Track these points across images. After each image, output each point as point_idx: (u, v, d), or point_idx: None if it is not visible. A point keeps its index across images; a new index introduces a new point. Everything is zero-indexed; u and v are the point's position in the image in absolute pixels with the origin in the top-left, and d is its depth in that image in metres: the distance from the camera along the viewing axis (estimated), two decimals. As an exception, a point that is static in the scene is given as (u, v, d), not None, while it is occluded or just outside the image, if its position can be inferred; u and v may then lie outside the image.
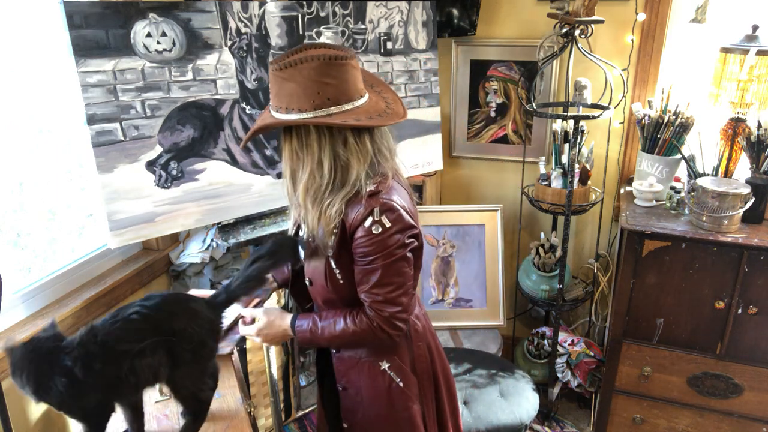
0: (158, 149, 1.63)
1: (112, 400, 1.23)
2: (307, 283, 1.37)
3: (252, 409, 1.41)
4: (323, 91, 1.14)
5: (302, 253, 1.37)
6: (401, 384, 1.35)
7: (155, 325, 1.22)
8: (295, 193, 1.25)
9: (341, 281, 1.28)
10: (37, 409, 1.59)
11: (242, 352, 2.00)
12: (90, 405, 1.19)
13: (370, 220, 1.19)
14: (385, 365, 1.34)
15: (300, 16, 1.87)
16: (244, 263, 1.36)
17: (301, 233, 1.37)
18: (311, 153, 1.19)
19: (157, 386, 1.44)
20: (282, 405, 2.35)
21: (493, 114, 2.60)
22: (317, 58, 1.12)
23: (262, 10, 1.78)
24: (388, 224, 1.19)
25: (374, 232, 1.18)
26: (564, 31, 2.07)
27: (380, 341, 1.26)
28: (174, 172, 1.66)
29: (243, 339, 1.91)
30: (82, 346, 1.16)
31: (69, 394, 1.13)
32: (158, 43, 1.60)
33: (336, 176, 1.20)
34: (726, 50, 1.99)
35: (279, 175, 1.87)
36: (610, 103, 2.16)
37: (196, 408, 1.34)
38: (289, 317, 1.34)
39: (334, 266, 1.27)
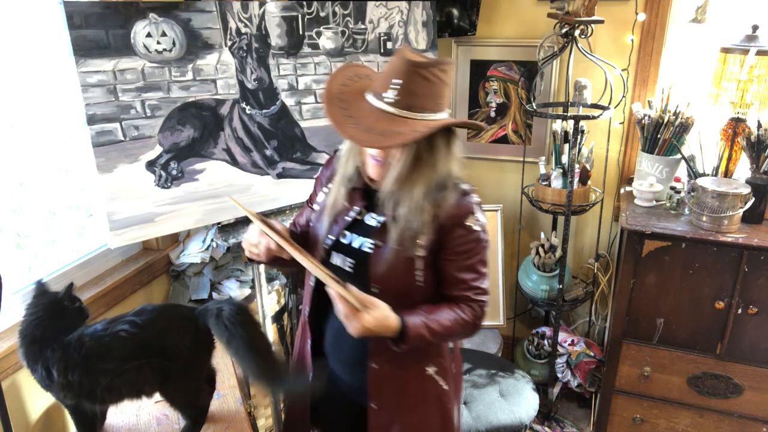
0: (158, 149, 1.63)
1: (82, 404, 1.22)
2: (375, 291, 1.23)
3: (252, 409, 1.41)
4: (449, 94, 1.20)
5: (345, 262, 1.29)
6: (445, 387, 1.34)
7: (144, 344, 1.21)
8: (412, 190, 1.20)
9: (421, 284, 1.24)
10: (37, 409, 1.59)
11: (242, 352, 2.00)
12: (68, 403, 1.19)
13: (471, 217, 1.22)
14: (431, 370, 1.32)
15: (300, 16, 1.87)
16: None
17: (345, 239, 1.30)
18: (437, 151, 1.18)
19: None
20: (282, 405, 2.35)
21: (493, 114, 2.60)
22: (447, 63, 1.14)
23: (262, 10, 1.78)
24: (483, 221, 1.25)
25: (475, 229, 1.22)
26: (564, 31, 2.07)
27: (471, 334, 1.29)
28: (174, 172, 1.66)
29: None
30: (66, 351, 1.15)
31: (44, 385, 1.15)
32: (158, 43, 1.60)
33: (446, 173, 1.21)
34: (726, 50, 1.99)
35: (279, 175, 1.87)
36: (610, 103, 2.16)
37: (193, 414, 1.33)
38: (393, 313, 1.19)
39: (419, 268, 1.23)
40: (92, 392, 1.17)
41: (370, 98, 1.17)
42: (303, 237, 1.41)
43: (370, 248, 1.25)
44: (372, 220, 1.27)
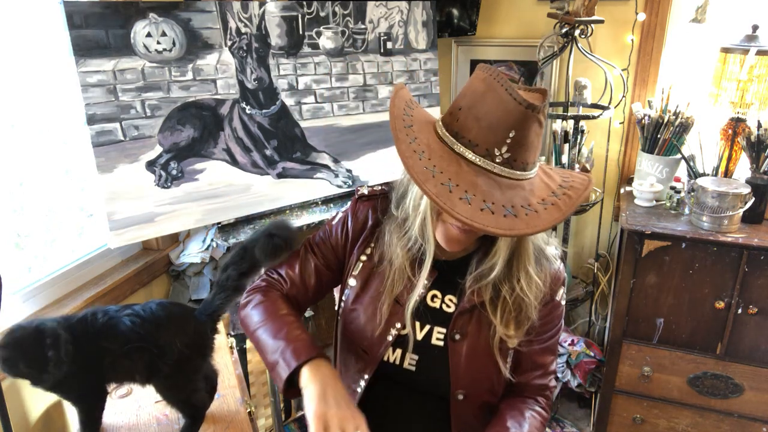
0: (158, 149, 1.63)
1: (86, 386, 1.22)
2: (460, 397, 1.00)
3: (252, 409, 1.41)
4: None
5: (416, 352, 1.01)
6: None
7: (140, 336, 1.21)
8: (521, 257, 0.97)
9: (507, 378, 1.01)
10: (37, 409, 1.59)
11: (242, 352, 2.00)
12: (79, 383, 1.18)
13: (561, 289, 1.02)
14: None
15: (300, 16, 1.87)
16: (218, 273, 1.26)
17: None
18: None
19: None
20: (282, 405, 2.35)
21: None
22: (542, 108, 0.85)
23: (262, 10, 1.78)
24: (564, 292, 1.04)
25: (563, 303, 1.03)
26: (564, 31, 2.07)
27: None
28: (174, 172, 1.66)
29: (243, 338, 1.91)
30: (73, 329, 1.16)
31: (39, 378, 1.12)
32: (158, 43, 1.60)
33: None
34: (726, 50, 1.99)
35: (279, 175, 1.87)
36: (610, 103, 2.16)
37: (190, 412, 1.33)
38: None
39: (509, 360, 1.00)
40: (99, 366, 1.18)
41: (467, 153, 0.85)
42: (303, 296, 1.09)
43: (441, 340, 0.98)
44: (447, 303, 1.01)
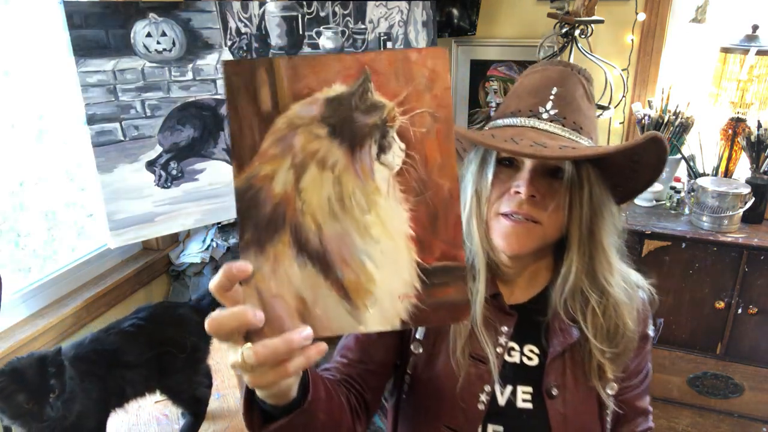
0: (158, 149, 1.63)
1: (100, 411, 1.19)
2: None
3: (252, 409, 1.41)
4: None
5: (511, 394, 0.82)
6: None
7: (151, 337, 1.21)
8: (607, 271, 0.82)
9: (607, 425, 0.84)
10: (37, 409, 1.59)
11: (242, 352, 2.01)
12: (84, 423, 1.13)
13: (650, 321, 0.89)
14: None
15: (300, 16, 1.87)
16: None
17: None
18: (610, 206, 0.83)
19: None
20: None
21: (492, 113, 2.60)
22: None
23: (262, 10, 1.78)
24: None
25: (652, 334, 0.90)
26: (564, 31, 2.07)
27: None
28: (174, 172, 1.66)
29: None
30: (78, 361, 1.13)
31: (64, 407, 1.03)
32: (158, 43, 1.60)
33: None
34: (726, 50, 1.99)
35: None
36: (610, 103, 2.16)
37: (195, 408, 1.34)
38: None
39: (608, 412, 0.83)
40: (119, 389, 1.17)
41: (510, 120, 0.80)
42: (349, 378, 0.84)
43: (529, 401, 0.80)
44: (527, 355, 0.83)
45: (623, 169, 0.80)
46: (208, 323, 0.51)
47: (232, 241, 1.80)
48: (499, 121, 0.82)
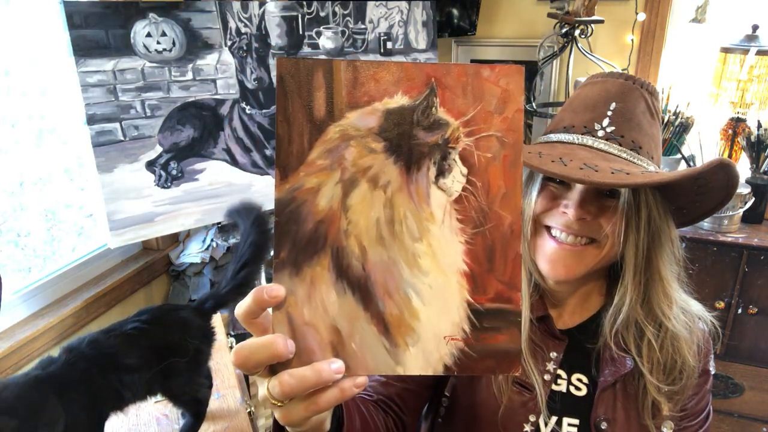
0: (158, 149, 1.63)
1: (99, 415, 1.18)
2: None
3: (252, 409, 1.41)
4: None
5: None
6: None
7: (154, 340, 1.21)
8: (666, 298, 0.79)
9: None
10: None
11: (242, 352, 2.01)
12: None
13: (711, 356, 0.84)
14: None
15: (300, 16, 1.87)
16: (230, 267, 1.26)
17: None
18: (668, 232, 0.80)
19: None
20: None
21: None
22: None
23: (262, 10, 1.79)
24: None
25: (713, 371, 0.85)
26: (564, 31, 2.07)
27: None
28: (174, 172, 1.67)
29: (243, 338, 1.92)
30: (72, 364, 1.11)
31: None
32: (158, 43, 1.60)
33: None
34: (726, 50, 2.00)
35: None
36: (610, 103, 2.16)
37: (196, 409, 1.34)
38: None
39: None
40: (116, 394, 1.16)
41: (562, 136, 0.76)
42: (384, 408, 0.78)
43: None
44: (575, 384, 0.79)
45: (688, 192, 0.76)
46: (235, 355, 0.47)
47: (232, 241, 1.80)
48: (552, 136, 0.78)
